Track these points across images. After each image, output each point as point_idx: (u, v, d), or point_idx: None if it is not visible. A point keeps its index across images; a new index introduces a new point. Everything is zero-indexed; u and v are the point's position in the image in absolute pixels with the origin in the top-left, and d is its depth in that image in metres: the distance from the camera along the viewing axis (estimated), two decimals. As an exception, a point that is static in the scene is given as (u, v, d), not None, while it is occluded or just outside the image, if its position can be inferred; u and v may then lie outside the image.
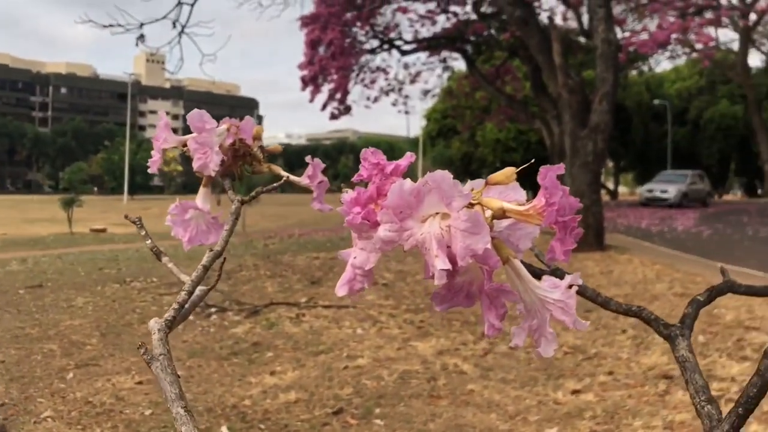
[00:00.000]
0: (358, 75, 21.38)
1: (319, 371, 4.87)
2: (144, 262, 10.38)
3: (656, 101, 41.77)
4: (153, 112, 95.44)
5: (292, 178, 0.85)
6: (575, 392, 4.40)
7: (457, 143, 39.22)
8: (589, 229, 11.37)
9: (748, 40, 36.78)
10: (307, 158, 0.84)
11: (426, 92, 24.28)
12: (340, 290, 0.52)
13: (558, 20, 20.01)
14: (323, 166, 0.84)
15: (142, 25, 10.20)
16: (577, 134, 11.34)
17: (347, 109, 21.43)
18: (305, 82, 20.49)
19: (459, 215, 0.45)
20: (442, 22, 21.64)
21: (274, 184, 0.82)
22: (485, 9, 20.94)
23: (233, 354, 5.35)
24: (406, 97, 22.83)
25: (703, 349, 5.45)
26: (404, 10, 21.23)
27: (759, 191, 45.43)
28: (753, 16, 30.57)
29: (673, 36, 21.07)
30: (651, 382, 4.61)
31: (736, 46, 37.32)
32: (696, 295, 0.63)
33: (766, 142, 37.12)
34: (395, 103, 22.87)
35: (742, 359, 5.13)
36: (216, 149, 0.80)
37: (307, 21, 20.08)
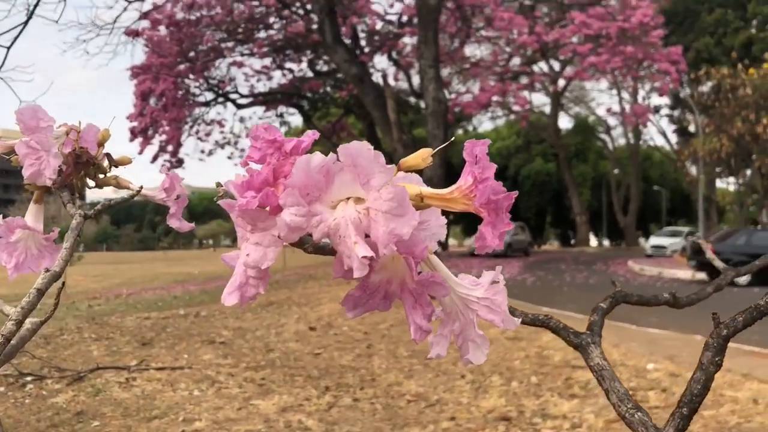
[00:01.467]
0: (191, 127, 20.90)
1: (154, 438, 4.49)
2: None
3: (480, 159, 44.42)
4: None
5: (146, 191, 0.73)
6: (421, 440, 4.39)
7: (295, 198, 39.14)
8: (426, 279, 11.69)
9: (557, 103, 40.63)
10: (162, 168, 0.73)
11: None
12: (229, 298, 0.42)
13: (390, 80, 20.93)
14: (182, 178, 0.73)
15: (-54, 66, 9.20)
16: (411, 187, 11.73)
17: (179, 162, 20.76)
18: (134, 133, 19.65)
19: (380, 194, 0.37)
20: (278, 77, 21.87)
21: (124, 196, 0.70)
22: (320, 67, 21.42)
23: (53, 426, 4.80)
24: (242, 150, 22.58)
25: (536, 389, 5.68)
26: (239, 65, 21.18)
27: (572, 241, 49.55)
28: (561, 82, 33.90)
29: (494, 98, 22.80)
30: (491, 425, 4.71)
31: (548, 109, 41.10)
32: (599, 303, 0.60)
33: (576, 196, 40.80)
34: (231, 156, 22.52)
35: (571, 397, 5.40)
36: (54, 151, 0.66)
37: (137, 71, 19.38)
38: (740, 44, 30.85)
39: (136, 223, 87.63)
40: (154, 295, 14.89)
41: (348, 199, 0.39)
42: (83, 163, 0.70)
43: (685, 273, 19.26)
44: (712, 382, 0.44)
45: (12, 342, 0.52)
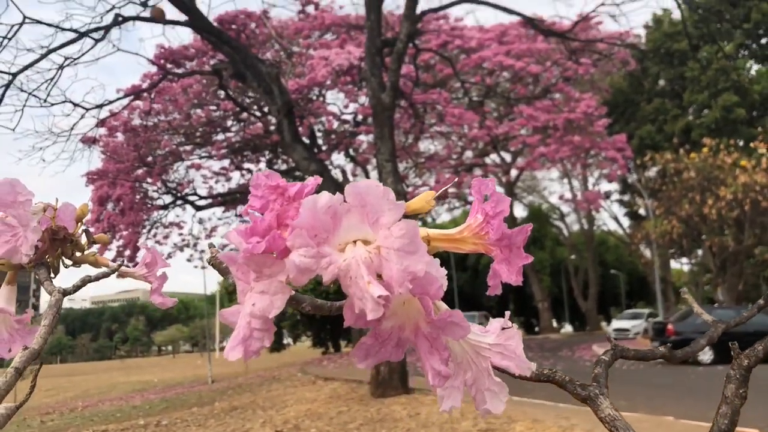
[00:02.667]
0: (149, 230, 20.64)
1: None
2: None
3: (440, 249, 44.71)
4: None
5: (125, 269, 0.71)
6: None
7: (255, 298, 38.48)
8: (394, 373, 11.46)
9: (511, 193, 41.63)
10: (141, 244, 0.70)
11: (223, 247, 24.01)
12: (232, 353, 0.40)
13: (349, 176, 21.29)
14: (162, 254, 0.71)
15: None
16: (375, 281, 11.67)
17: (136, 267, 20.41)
18: (91, 239, 19.34)
19: (391, 231, 0.36)
20: (237, 178, 21.98)
21: (106, 270, 0.67)
22: (279, 166, 21.67)
23: None
24: (202, 252, 22.33)
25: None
26: (198, 167, 21.29)
27: (536, 329, 49.53)
28: (514, 173, 34.85)
29: (450, 190, 23.25)
30: None
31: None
32: (600, 356, 0.59)
33: (537, 283, 41.17)
34: (190, 258, 22.23)
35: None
36: (33, 226, 0.63)
37: (94, 177, 19.29)
38: (680, 130, 32.41)
39: (92, 332, 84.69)
40: (111, 406, 14.27)
41: (355, 242, 0.38)
42: (60, 240, 0.67)
43: (650, 354, 19.33)
44: (739, 415, 0.43)
45: (-15, 428, 0.48)
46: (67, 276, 0.74)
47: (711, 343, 0.69)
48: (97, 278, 0.68)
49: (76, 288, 0.66)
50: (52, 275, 0.67)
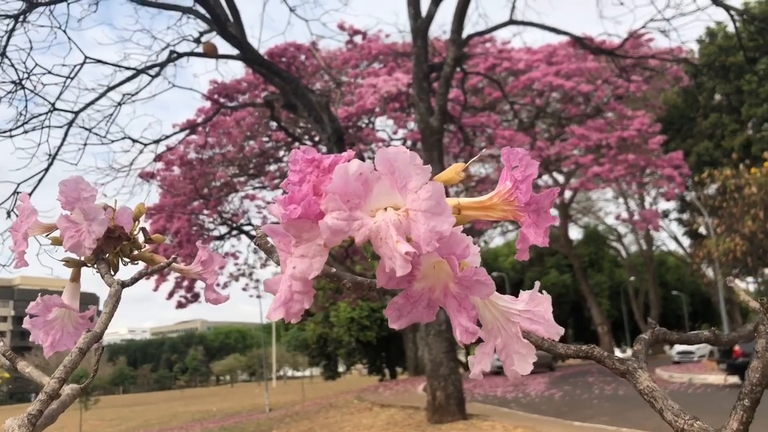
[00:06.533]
0: (206, 261, 21.11)
1: None
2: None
3: (494, 273, 44.38)
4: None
5: (177, 266, 0.74)
6: None
7: (312, 325, 38.82)
8: (450, 399, 11.34)
9: (566, 214, 40.97)
10: (198, 243, 0.74)
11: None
12: (274, 314, 0.42)
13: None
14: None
15: (-32, 215, 9.50)
16: (428, 305, 11.59)
17: (195, 297, 20.85)
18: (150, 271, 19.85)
19: (418, 194, 0.38)
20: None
21: (162, 264, 0.71)
22: (330, 194, 21.88)
23: None
24: (257, 281, 22.68)
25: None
26: (252, 198, 21.73)
27: (596, 353, 48.28)
28: (567, 194, 34.34)
29: (503, 213, 23.04)
30: None
31: (557, 221, 41.30)
32: (641, 335, 0.59)
33: (596, 306, 40.25)
34: (246, 288, 22.59)
35: None
36: (100, 218, 0.68)
37: (151, 212, 19.87)
38: (739, 145, 31.49)
39: (152, 363, 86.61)
40: (171, 435, 14.49)
41: (386, 208, 0.41)
42: (115, 238, 0.72)
43: (717, 378, 18.65)
44: (770, 371, 0.43)
45: (53, 406, 0.51)
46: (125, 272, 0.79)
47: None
48: (152, 272, 0.72)
49: (134, 280, 0.70)
50: (112, 272, 0.72)
